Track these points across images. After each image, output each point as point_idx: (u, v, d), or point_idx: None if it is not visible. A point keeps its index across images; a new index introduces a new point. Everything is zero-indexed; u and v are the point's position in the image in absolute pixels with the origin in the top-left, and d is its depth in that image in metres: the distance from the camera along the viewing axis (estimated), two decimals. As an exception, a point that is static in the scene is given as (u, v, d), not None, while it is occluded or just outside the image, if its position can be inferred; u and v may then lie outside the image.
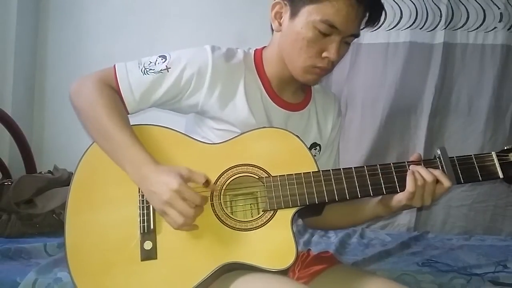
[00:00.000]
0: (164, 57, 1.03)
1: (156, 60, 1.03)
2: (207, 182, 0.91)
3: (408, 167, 0.96)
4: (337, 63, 1.04)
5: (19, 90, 2.39)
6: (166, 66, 1.02)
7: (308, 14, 0.98)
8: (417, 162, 0.97)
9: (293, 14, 1.01)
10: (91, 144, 1.00)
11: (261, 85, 1.07)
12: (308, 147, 1.01)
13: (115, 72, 1.01)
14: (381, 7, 1.03)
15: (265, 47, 1.12)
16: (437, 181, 0.94)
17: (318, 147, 1.13)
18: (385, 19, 2.23)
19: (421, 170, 0.95)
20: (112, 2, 2.48)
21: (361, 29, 1.04)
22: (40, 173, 2.02)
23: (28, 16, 2.43)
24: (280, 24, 1.05)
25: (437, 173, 0.95)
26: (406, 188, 0.94)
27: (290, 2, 1.01)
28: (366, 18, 1.02)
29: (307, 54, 1.00)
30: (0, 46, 2.32)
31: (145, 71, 1.01)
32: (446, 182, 0.94)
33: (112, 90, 1.00)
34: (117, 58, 1.06)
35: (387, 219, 2.24)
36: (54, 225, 1.66)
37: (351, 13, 0.97)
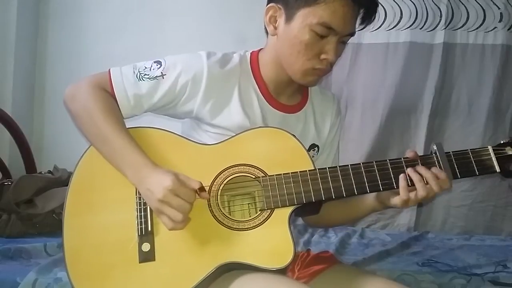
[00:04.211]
0: (159, 62, 1.02)
1: (151, 66, 1.02)
2: (200, 189, 0.91)
3: (404, 163, 0.96)
4: (335, 63, 1.04)
5: (19, 90, 2.38)
6: (161, 72, 1.01)
7: (304, 17, 0.98)
8: (412, 159, 0.97)
9: (289, 18, 1.00)
10: (90, 146, 1.00)
11: (257, 88, 1.07)
12: (307, 149, 1.01)
13: (110, 77, 1.01)
14: (375, 3, 1.03)
15: (261, 49, 1.11)
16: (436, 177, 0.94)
17: (316, 148, 1.13)
18: (385, 19, 2.23)
19: (421, 170, 0.95)
20: (112, 2, 2.47)
21: (361, 29, 1.03)
22: (40, 173, 2.02)
23: (28, 16, 2.42)
24: (275, 28, 1.04)
25: (436, 171, 0.94)
26: (399, 195, 0.95)
27: (285, 6, 1.01)
28: (362, 15, 1.01)
29: (306, 57, 1.00)
30: (0, 46, 2.32)
31: (140, 76, 1.01)
32: (445, 182, 0.94)
33: (107, 93, 1.00)
34: (117, 58, 1.06)
35: (387, 219, 2.24)
36: (54, 225, 1.66)
37: (347, 12, 0.97)
